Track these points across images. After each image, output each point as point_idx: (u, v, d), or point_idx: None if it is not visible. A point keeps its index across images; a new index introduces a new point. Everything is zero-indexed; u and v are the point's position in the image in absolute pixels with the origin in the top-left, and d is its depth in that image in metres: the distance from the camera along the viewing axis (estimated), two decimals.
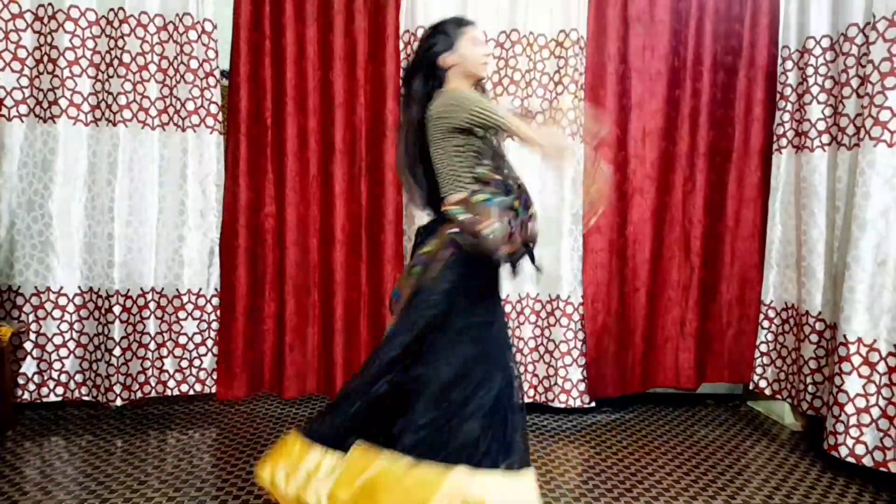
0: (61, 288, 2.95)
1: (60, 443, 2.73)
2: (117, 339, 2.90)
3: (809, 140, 2.85)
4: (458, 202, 1.84)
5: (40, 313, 2.93)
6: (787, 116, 3.02)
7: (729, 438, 2.93)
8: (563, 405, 3.10)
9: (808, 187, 2.85)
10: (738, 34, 3.12)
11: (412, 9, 3.08)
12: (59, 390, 2.97)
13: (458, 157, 1.86)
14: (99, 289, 2.95)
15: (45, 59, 2.88)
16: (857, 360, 2.46)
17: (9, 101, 2.87)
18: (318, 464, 1.75)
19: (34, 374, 2.94)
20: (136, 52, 2.92)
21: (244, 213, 3.11)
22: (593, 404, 3.16)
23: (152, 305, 3.00)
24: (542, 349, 3.18)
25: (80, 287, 2.98)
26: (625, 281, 3.17)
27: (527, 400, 3.09)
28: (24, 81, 2.89)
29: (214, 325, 3.13)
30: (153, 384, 3.02)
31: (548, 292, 3.15)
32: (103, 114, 2.93)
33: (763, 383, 3.18)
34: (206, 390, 3.14)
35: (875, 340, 2.44)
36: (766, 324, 3.17)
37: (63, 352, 2.96)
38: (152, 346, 3.01)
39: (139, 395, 2.99)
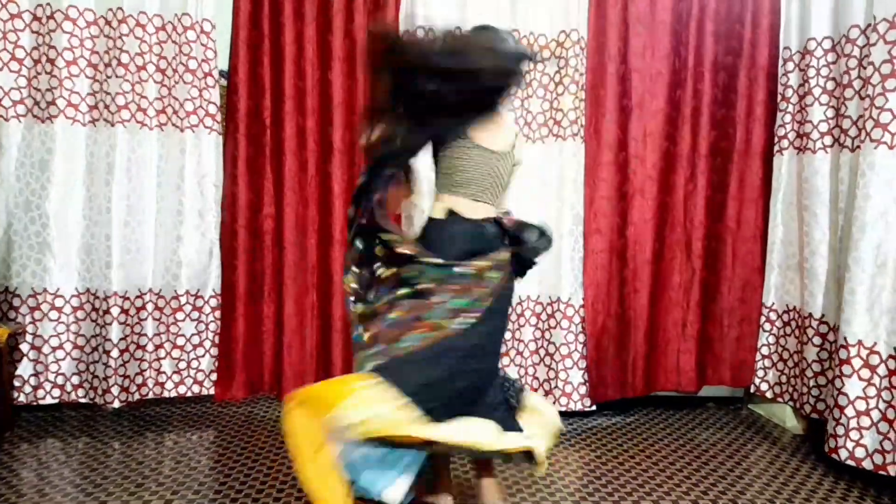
0: (58, 289, 2.93)
1: (57, 445, 2.71)
2: (115, 341, 2.88)
3: (811, 142, 2.84)
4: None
5: (37, 315, 2.92)
6: (788, 118, 3.01)
7: (730, 442, 2.91)
8: (563, 408, 3.08)
9: (811, 189, 2.84)
10: (739, 35, 3.11)
11: (412, 8, 3.06)
12: (56, 392, 2.95)
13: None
14: (96, 290, 2.94)
15: (44, 59, 2.87)
16: (857, 362, 2.45)
17: (6, 102, 2.85)
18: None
19: (30, 376, 2.92)
20: (135, 52, 2.90)
21: (243, 214, 3.10)
22: (594, 407, 3.15)
23: (150, 306, 2.98)
24: (542, 352, 3.17)
25: (77, 288, 2.96)
26: (625, 282, 3.16)
27: None
28: (22, 81, 2.87)
29: (212, 326, 3.12)
30: (151, 385, 3.01)
31: (548, 294, 3.13)
32: (101, 114, 2.92)
33: (764, 386, 3.16)
34: (204, 391, 3.12)
35: (875, 343, 2.43)
36: (767, 326, 3.16)
37: (60, 353, 2.95)
38: (150, 347, 2.99)
39: (137, 396, 2.98)
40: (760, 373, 3.18)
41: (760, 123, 3.12)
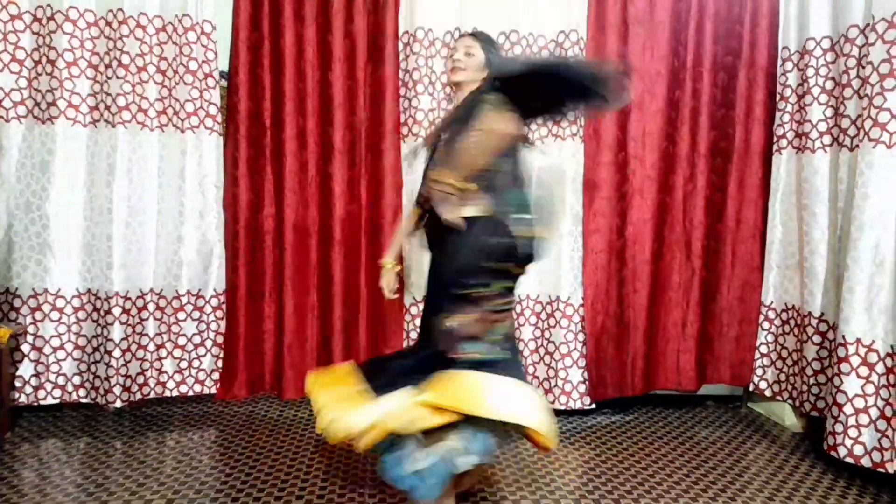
0: (59, 290, 2.94)
1: (59, 445, 2.72)
2: (116, 341, 2.88)
3: (811, 141, 2.84)
4: None
5: (38, 315, 2.92)
6: (787, 117, 3.02)
7: (729, 440, 2.92)
8: (563, 407, 3.09)
9: (810, 188, 2.85)
10: (738, 35, 3.12)
11: (411, 9, 3.07)
12: (57, 393, 2.96)
13: None
14: (98, 290, 2.94)
15: (44, 59, 2.88)
16: (855, 360, 2.46)
17: (7, 103, 2.86)
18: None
19: (31, 376, 2.93)
20: (136, 53, 2.91)
21: (243, 214, 3.11)
22: (593, 406, 3.16)
23: (151, 306, 2.99)
24: (542, 351, 3.18)
25: (78, 289, 2.97)
26: (625, 282, 3.17)
27: None
28: (23, 82, 2.88)
29: (213, 326, 3.13)
30: (152, 385, 3.02)
31: (548, 293, 3.14)
32: (102, 115, 2.93)
33: (763, 384, 3.17)
34: (206, 391, 3.14)
35: (874, 341, 2.44)
36: (766, 325, 3.17)
37: (61, 354, 2.95)
38: (151, 347, 3.00)
39: (138, 396, 2.99)
40: (759, 371, 3.19)
41: (759, 123, 3.13)
